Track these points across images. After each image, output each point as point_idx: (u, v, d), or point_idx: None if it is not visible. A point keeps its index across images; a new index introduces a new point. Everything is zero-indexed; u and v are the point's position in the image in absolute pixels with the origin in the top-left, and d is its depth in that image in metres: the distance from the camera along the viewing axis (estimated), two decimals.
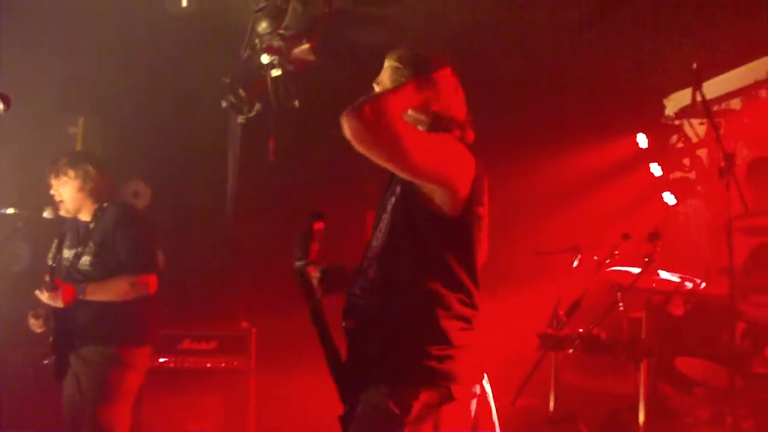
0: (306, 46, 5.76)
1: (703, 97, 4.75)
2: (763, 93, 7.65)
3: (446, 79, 3.17)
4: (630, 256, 5.24)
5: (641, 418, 4.84)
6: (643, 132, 8.43)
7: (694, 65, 4.65)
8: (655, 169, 8.36)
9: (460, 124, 3.23)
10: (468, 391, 3.04)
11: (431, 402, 2.94)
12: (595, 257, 5.24)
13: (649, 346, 4.86)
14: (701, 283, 5.19)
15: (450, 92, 3.20)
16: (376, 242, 3.09)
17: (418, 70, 3.16)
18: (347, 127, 2.80)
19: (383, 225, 3.08)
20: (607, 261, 5.17)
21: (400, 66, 3.22)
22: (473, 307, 3.08)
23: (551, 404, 5.24)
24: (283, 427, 6.59)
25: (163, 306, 5.19)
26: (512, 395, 5.13)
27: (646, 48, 7.39)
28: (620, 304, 5.09)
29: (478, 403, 3.11)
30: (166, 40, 6.80)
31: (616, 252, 5.18)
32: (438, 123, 3.16)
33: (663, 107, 8.79)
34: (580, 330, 4.93)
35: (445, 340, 2.97)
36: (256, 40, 6.04)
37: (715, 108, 8.01)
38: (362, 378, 3.01)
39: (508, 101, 7.74)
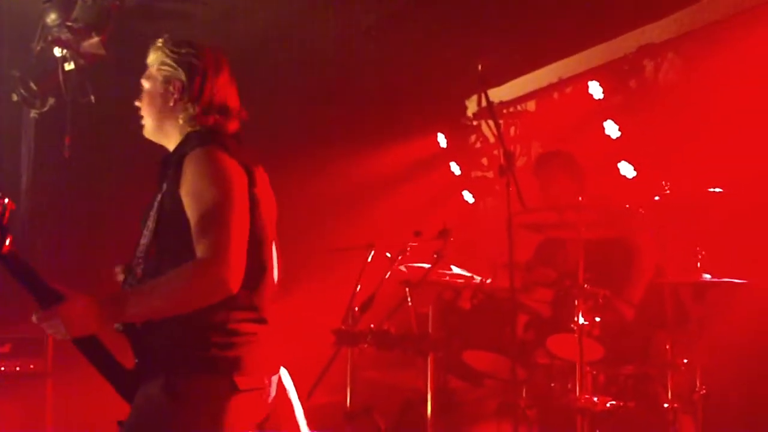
0: (96, 39, 5.62)
1: (487, 98, 4.90)
2: (555, 95, 7.99)
3: (218, 68, 3.20)
4: (423, 252, 5.36)
5: (429, 410, 4.97)
6: (444, 132, 8.67)
7: (479, 67, 4.78)
8: (455, 168, 8.61)
9: (232, 113, 3.24)
10: (255, 382, 2.98)
11: (211, 391, 2.88)
12: (388, 254, 5.33)
13: (436, 341, 4.98)
14: (488, 278, 5.37)
15: (223, 82, 3.22)
16: (144, 240, 3.02)
17: (189, 64, 3.15)
18: (216, 286, 2.76)
19: (150, 222, 3.00)
20: (399, 258, 5.27)
21: (169, 60, 3.17)
22: (258, 295, 3.05)
23: (348, 400, 5.28)
24: (81, 430, 6.41)
25: None
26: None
27: (445, 51, 7.58)
28: (408, 299, 5.20)
29: (275, 398, 3.09)
30: None
31: (408, 249, 5.28)
32: (208, 112, 3.16)
33: (465, 108, 9.03)
34: (372, 325, 5.01)
35: (226, 329, 2.92)
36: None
37: (512, 109, 8.33)
38: (141, 374, 2.93)
39: (308, 101, 7.80)
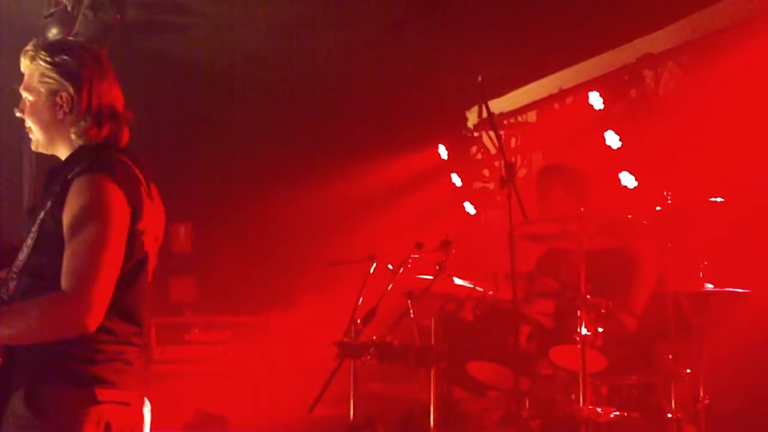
0: None
1: (488, 109, 4.90)
2: (556, 106, 8.00)
3: (101, 72, 3.07)
4: (425, 264, 5.36)
5: (432, 422, 4.95)
6: (445, 143, 8.68)
7: (480, 78, 4.78)
8: (456, 180, 8.62)
9: (121, 119, 3.09)
10: (118, 396, 2.92)
11: (72, 404, 2.82)
12: (390, 266, 5.32)
13: (439, 352, 4.97)
14: (490, 289, 5.36)
15: (108, 85, 3.08)
16: (22, 256, 2.93)
17: (74, 74, 3.01)
18: (72, 323, 2.74)
19: (29, 239, 2.92)
20: (401, 270, 5.26)
21: (50, 71, 3.02)
22: (132, 323, 2.98)
23: (351, 412, 5.27)
24: None
25: None
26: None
27: (445, 62, 7.61)
28: (411, 311, 5.19)
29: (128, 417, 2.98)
30: None
31: (410, 261, 5.28)
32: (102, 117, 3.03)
33: (466, 119, 9.05)
34: (374, 338, 5.00)
35: (87, 345, 2.85)
36: None
37: (512, 120, 8.35)
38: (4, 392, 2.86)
39: (308, 113, 7.82)
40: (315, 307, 7.31)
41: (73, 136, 3.03)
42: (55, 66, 3.01)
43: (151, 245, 3.05)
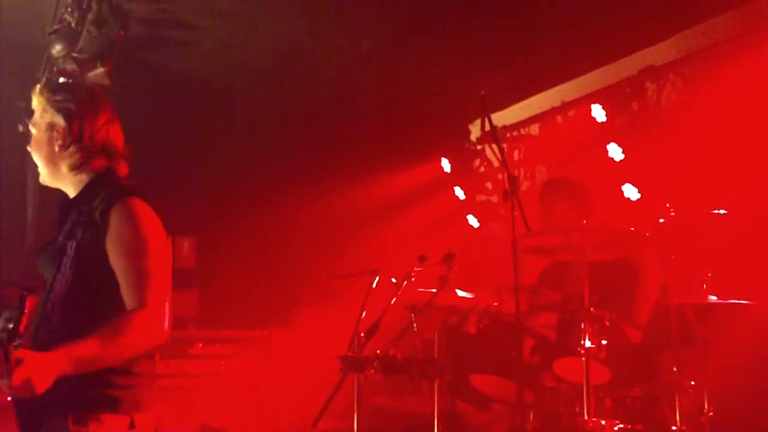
0: (101, 70, 5.67)
1: (491, 122, 4.91)
2: (558, 119, 8.02)
3: (96, 110, 3.25)
4: (428, 277, 5.36)
5: None
6: (447, 156, 8.70)
7: (482, 92, 4.80)
8: (459, 193, 8.63)
9: (118, 154, 3.28)
10: (150, 418, 3.14)
11: (114, 429, 3.00)
12: (393, 279, 5.33)
13: (442, 365, 4.97)
14: (493, 302, 5.36)
15: (102, 123, 3.24)
16: (60, 286, 3.06)
17: (67, 109, 3.22)
18: (154, 337, 2.98)
19: (65, 269, 3.06)
20: (404, 283, 5.26)
21: (49, 106, 3.25)
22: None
23: (355, 426, 5.26)
24: None
25: None
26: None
27: (448, 76, 7.63)
28: (414, 324, 5.19)
29: None
30: None
31: (413, 274, 5.28)
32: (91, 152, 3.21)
33: (469, 132, 9.07)
34: (378, 351, 5.00)
35: (128, 370, 3.05)
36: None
37: (515, 133, 8.37)
38: (44, 414, 2.98)
39: (310, 127, 7.84)
40: (318, 321, 7.32)
41: (67, 167, 3.21)
42: (53, 102, 3.24)
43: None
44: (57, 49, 5.74)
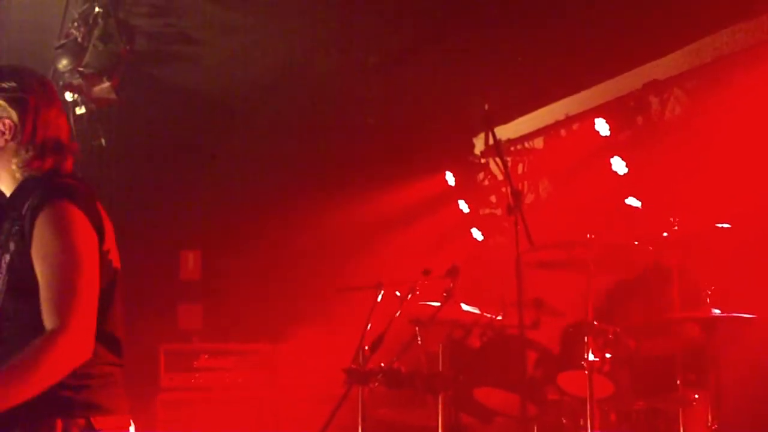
0: (107, 84, 5.69)
1: (494, 137, 4.94)
2: (562, 132, 8.04)
3: (49, 100, 2.95)
4: (433, 291, 5.37)
5: None
6: (452, 170, 8.71)
7: (486, 106, 4.83)
8: (463, 206, 8.64)
9: (66, 150, 2.96)
10: (113, 422, 2.86)
11: None
12: (398, 293, 5.34)
13: (446, 379, 4.99)
14: (497, 315, 5.38)
15: (54, 114, 2.95)
16: None
17: (20, 100, 2.88)
18: (71, 357, 2.69)
19: (0, 285, 2.81)
20: (409, 296, 5.27)
21: None
22: (111, 344, 2.92)
23: None
24: None
25: None
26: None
27: (452, 89, 7.65)
28: (418, 338, 5.20)
29: None
30: None
31: (417, 287, 5.29)
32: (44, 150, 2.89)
33: (473, 146, 9.09)
34: (382, 364, 5.01)
35: (78, 373, 2.77)
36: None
37: (519, 147, 8.38)
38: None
39: (314, 141, 7.87)
40: (323, 334, 7.33)
41: (14, 166, 2.91)
42: (1, 89, 2.90)
43: (117, 262, 2.99)
44: (63, 63, 5.76)
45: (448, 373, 5.06)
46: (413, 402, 5.98)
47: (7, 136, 2.88)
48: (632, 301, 4.79)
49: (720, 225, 4.84)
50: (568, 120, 7.85)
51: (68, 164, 2.96)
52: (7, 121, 2.88)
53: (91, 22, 5.78)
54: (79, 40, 5.76)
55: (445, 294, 5.17)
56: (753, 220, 5.52)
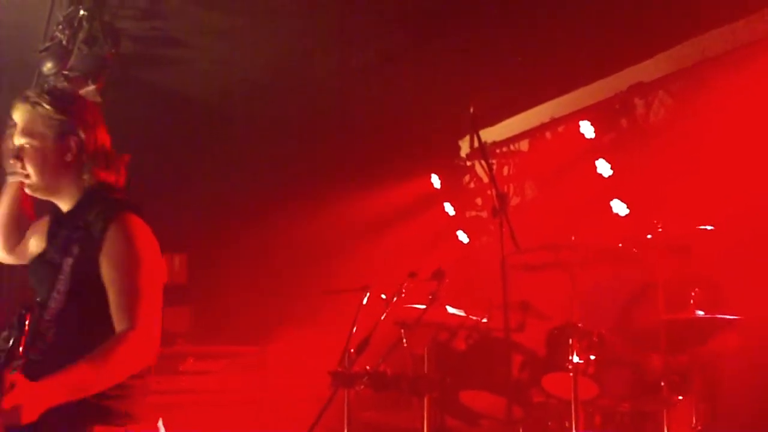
0: (92, 87, 5.68)
1: (479, 139, 4.94)
2: (548, 135, 8.06)
3: (95, 117, 3.20)
4: (419, 293, 5.37)
5: None
6: (438, 173, 8.72)
7: (471, 109, 4.83)
8: (449, 209, 8.65)
9: (117, 164, 3.21)
10: (147, 428, 3.07)
11: None
12: (383, 296, 5.34)
13: (432, 381, 4.98)
14: (483, 318, 5.38)
15: (103, 130, 3.20)
16: (54, 304, 2.97)
17: (81, 118, 3.13)
18: (144, 359, 2.93)
19: (61, 286, 2.96)
20: (394, 299, 5.27)
21: (56, 114, 3.10)
22: None
23: None
24: None
25: None
26: None
27: (438, 92, 7.66)
28: (404, 340, 5.20)
29: None
30: None
31: (403, 290, 5.29)
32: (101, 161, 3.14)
33: (458, 148, 9.10)
34: (368, 367, 5.01)
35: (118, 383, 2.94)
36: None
37: (504, 149, 8.40)
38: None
39: (301, 143, 7.86)
40: (309, 337, 7.32)
41: (68, 182, 3.11)
42: (61, 111, 3.10)
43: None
44: (48, 66, 5.74)
45: (434, 375, 5.05)
46: (399, 404, 6.00)
47: (74, 152, 3.10)
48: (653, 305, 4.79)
49: (704, 227, 4.86)
50: (554, 122, 7.87)
51: (121, 178, 3.22)
52: (73, 137, 3.10)
53: (75, 25, 5.76)
54: (64, 43, 5.74)
55: (430, 296, 5.18)
56: (737, 222, 5.55)
